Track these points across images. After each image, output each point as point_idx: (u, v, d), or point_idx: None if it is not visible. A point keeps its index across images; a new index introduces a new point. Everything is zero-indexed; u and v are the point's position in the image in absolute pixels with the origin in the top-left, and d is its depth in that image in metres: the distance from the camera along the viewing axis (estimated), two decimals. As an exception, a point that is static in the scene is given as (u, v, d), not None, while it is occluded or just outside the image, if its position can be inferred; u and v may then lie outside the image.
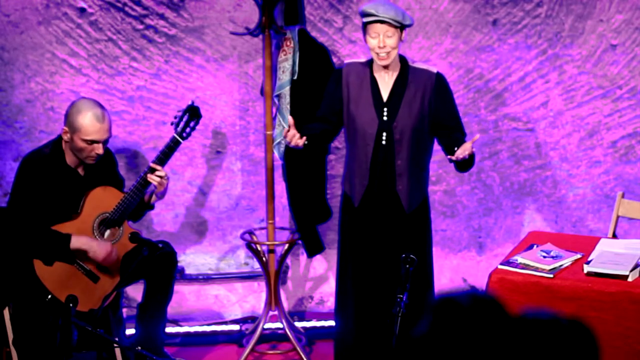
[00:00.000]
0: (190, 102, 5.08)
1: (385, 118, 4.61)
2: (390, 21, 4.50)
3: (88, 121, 4.70)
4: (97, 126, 4.70)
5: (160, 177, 4.86)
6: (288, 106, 5.25)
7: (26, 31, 5.60)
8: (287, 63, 5.23)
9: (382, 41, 4.52)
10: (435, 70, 4.68)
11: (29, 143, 5.63)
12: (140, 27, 5.65)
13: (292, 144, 4.56)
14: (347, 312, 4.80)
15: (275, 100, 5.29)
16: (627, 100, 5.81)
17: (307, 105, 5.28)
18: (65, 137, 4.75)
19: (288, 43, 5.22)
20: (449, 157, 4.56)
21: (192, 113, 5.02)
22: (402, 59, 4.68)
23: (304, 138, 4.56)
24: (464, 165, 4.59)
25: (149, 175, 4.85)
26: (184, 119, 4.99)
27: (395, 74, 4.64)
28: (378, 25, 4.51)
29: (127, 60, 5.68)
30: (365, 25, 4.57)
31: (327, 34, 5.70)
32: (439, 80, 4.66)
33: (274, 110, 5.32)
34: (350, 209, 4.77)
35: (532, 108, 5.84)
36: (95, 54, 5.65)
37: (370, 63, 4.68)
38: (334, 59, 5.49)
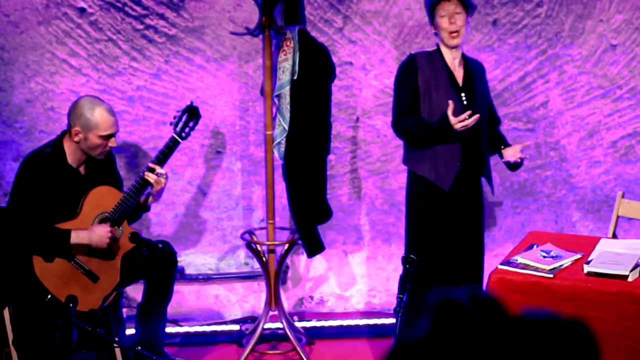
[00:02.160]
0: (189, 102, 5.09)
1: (465, 102, 4.74)
2: None
3: (103, 117, 4.72)
4: (112, 120, 4.75)
5: (158, 175, 4.86)
6: (288, 106, 5.25)
7: (26, 31, 5.60)
8: (287, 63, 5.23)
9: (452, 17, 4.67)
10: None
11: (29, 143, 5.63)
12: (140, 27, 5.65)
13: (470, 123, 4.56)
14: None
15: (275, 100, 5.29)
16: (627, 100, 5.81)
17: (307, 105, 5.28)
18: (77, 137, 4.74)
19: (288, 43, 5.22)
20: (503, 160, 4.85)
21: (191, 113, 5.03)
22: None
23: (470, 113, 4.57)
24: (515, 167, 4.90)
25: (146, 173, 4.86)
26: (183, 119, 5.00)
27: (462, 62, 4.81)
28: (446, 3, 4.66)
29: (127, 60, 5.68)
30: (433, 8, 4.69)
31: (327, 34, 5.70)
32: (484, 68, 4.95)
33: (274, 110, 5.32)
34: (436, 194, 4.77)
35: (532, 108, 5.84)
36: (95, 54, 5.65)
37: (438, 52, 4.77)
38: (334, 59, 5.49)
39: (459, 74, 4.78)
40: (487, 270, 4.86)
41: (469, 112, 4.56)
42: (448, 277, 4.77)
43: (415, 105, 4.72)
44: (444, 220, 4.80)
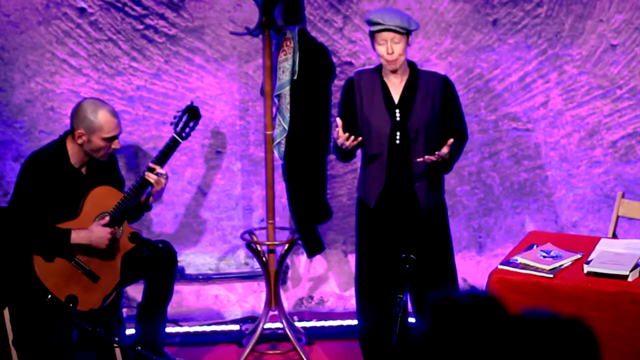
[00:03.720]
0: (189, 103, 5.10)
1: (397, 119, 4.71)
2: (397, 29, 4.61)
3: (107, 119, 4.73)
4: (115, 122, 4.77)
5: (158, 175, 4.87)
6: (288, 106, 5.25)
7: (26, 31, 5.60)
8: (287, 63, 5.23)
9: (390, 48, 4.63)
10: (442, 74, 4.83)
11: (29, 143, 5.63)
12: (140, 27, 5.65)
13: (346, 144, 4.59)
14: (369, 312, 4.84)
15: (275, 100, 5.29)
16: (627, 100, 5.81)
17: (307, 105, 5.28)
18: (80, 140, 4.74)
19: (288, 43, 5.22)
20: (418, 159, 4.64)
21: (192, 113, 5.04)
22: (411, 64, 4.80)
23: (353, 138, 4.58)
24: (440, 167, 4.70)
25: (147, 173, 4.86)
26: (184, 119, 5.01)
27: (405, 78, 4.76)
28: (385, 33, 4.63)
29: (127, 60, 5.68)
30: (372, 33, 4.68)
31: (327, 34, 5.70)
32: (447, 83, 4.80)
33: (274, 110, 5.32)
34: (365, 212, 4.82)
35: (532, 108, 5.84)
36: (95, 54, 5.65)
37: (379, 69, 4.78)
38: (334, 59, 5.49)
39: (397, 91, 4.74)
40: (488, 270, 4.86)
41: (356, 138, 4.57)
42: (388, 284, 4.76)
43: (352, 122, 4.75)
44: (376, 234, 4.78)
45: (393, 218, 4.76)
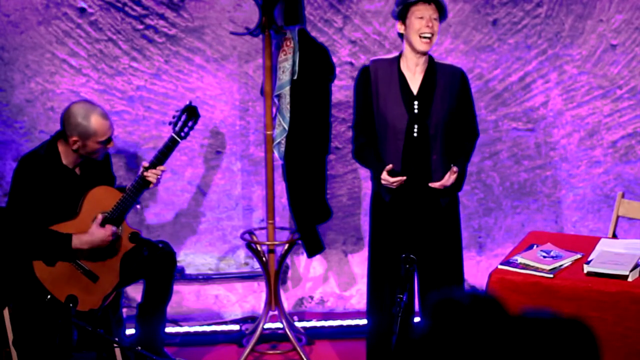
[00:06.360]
0: (188, 102, 5.10)
1: (416, 111, 4.61)
2: (439, 1, 4.53)
3: (99, 123, 4.72)
4: (107, 124, 4.75)
5: (156, 174, 4.86)
6: (288, 106, 5.25)
7: (26, 31, 5.60)
8: (287, 63, 5.22)
9: (429, 21, 4.52)
10: (459, 67, 4.73)
11: (29, 143, 5.63)
12: (140, 27, 5.65)
13: (393, 186, 4.56)
14: (380, 310, 4.78)
15: (275, 100, 5.29)
16: (627, 100, 5.81)
17: (307, 105, 5.28)
18: (75, 146, 4.73)
19: (288, 43, 5.22)
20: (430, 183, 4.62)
21: (190, 112, 5.03)
22: (429, 56, 4.68)
23: (399, 179, 4.55)
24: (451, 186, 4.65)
25: (145, 173, 4.85)
26: (182, 119, 5.00)
27: (423, 69, 4.65)
28: (426, 5, 4.52)
29: (127, 60, 5.68)
30: (407, 9, 4.54)
31: (327, 34, 5.70)
32: (464, 77, 4.71)
33: (274, 110, 5.32)
34: (381, 205, 4.74)
35: (532, 108, 5.84)
36: (95, 54, 5.65)
37: (397, 59, 4.67)
38: (334, 59, 5.49)
39: (415, 82, 4.63)
40: (488, 270, 4.86)
41: (403, 178, 4.54)
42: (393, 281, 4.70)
43: (370, 116, 4.67)
44: (390, 230, 4.72)
45: (408, 214, 4.68)
